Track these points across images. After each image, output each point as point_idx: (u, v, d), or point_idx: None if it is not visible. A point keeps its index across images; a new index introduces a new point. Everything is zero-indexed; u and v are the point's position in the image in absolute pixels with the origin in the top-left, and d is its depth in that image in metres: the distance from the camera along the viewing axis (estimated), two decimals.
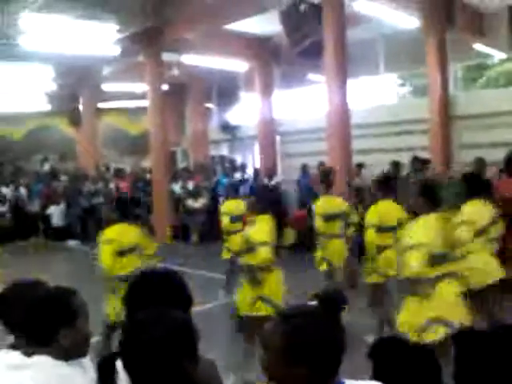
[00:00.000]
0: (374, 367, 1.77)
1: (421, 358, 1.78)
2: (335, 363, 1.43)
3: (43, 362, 1.72)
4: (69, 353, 1.80)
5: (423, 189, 3.76)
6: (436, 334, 3.31)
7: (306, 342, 1.39)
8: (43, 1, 8.14)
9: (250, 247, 4.32)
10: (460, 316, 3.36)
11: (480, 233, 4.34)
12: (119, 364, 1.48)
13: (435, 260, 3.44)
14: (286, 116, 13.73)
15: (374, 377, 1.72)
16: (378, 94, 12.51)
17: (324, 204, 5.97)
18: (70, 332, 1.80)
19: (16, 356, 1.77)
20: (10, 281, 2.20)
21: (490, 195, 4.67)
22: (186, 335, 1.48)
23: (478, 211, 4.42)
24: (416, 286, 3.47)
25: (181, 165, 15.85)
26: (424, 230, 3.52)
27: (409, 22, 9.81)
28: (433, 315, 3.37)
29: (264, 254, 4.16)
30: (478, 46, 11.25)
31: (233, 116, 15.43)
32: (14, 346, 1.90)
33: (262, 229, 4.32)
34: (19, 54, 10.91)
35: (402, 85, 13.30)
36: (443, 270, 3.46)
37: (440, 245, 3.49)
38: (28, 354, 1.75)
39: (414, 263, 3.38)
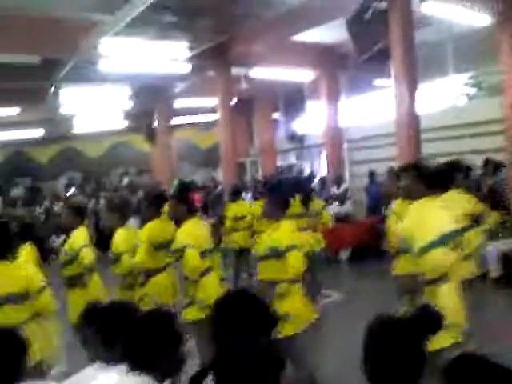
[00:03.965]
0: None
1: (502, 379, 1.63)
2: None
3: (144, 381, 1.75)
4: (166, 375, 1.83)
5: None
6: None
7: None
8: (120, 26, 8.69)
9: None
10: None
11: None
12: (209, 379, 1.56)
13: None
14: (353, 123, 13.70)
15: None
16: (448, 95, 12.20)
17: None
18: (173, 358, 1.84)
19: (119, 373, 1.81)
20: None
21: None
22: (273, 363, 1.55)
23: None
24: None
25: (250, 175, 16.19)
26: None
27: (479, 20, 9.57)
28: None
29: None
30: None
31: (300, 125, 15.60)
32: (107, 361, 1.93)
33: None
34: (98, 76, 11.65)
35: (472, 85, 12.87)
36: None
37: None
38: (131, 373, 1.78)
39: None
